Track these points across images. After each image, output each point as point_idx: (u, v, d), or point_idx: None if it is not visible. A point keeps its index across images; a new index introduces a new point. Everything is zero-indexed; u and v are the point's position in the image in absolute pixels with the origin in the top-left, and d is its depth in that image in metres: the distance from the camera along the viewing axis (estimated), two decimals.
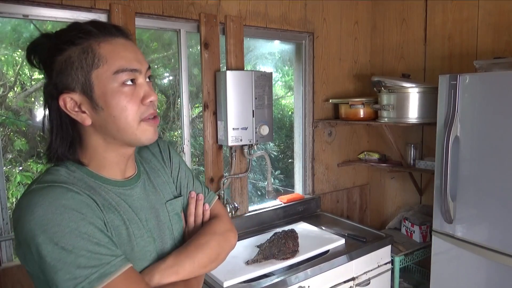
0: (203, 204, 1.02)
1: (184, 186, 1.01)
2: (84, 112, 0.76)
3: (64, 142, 0.79)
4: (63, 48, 0.73)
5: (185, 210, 1.00)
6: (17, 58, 2.10)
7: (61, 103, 0.75)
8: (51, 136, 0.78)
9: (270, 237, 1.86)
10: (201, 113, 2.13)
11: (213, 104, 2.07)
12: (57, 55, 0.74)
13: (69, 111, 0.75)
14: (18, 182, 2.13)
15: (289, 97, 3.04)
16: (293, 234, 1.87)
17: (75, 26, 0.76)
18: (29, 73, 2.17)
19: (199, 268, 0.89)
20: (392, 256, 2.14)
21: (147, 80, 0.81)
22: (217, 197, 1.08)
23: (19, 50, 2.06)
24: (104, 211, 0.76)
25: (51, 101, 0.76)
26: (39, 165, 2.20)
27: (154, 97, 0.79)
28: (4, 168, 1.64)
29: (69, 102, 0.75)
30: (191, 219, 1.00)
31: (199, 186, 1.04)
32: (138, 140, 0.80)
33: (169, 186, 0.97)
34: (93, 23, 0.76)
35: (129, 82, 0.76)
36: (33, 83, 2.19)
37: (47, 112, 0.79)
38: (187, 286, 0.86)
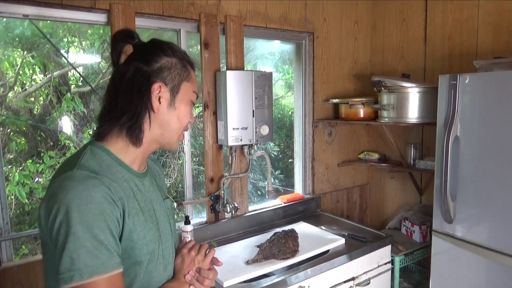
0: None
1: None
2: (160, 102, 0.94)
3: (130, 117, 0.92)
4: (173, 55, 0.96)
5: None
6: (18, 58, 2.09)
7: (154, 86, 0.92)
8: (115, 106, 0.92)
9: (270, 237, 1.86)
10: (201, 113, 2.13)
11: (213, 104, 2.07)
12: (167, 56, 0.95)
13: (153, 94, 0.92)
14: (17, 182, 2.13)
15: (289, 97, 3.04)
16: (293, 234, 1.87)
17: (184, 51, 1.01)
18: (29, 73, 2.17)
19: None
20: (392, 256, 2.14)
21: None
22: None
23: (19, 50, 2.06)
24: (127, 199, 0.87)
25: (142, 80, 0.92)
26: (39, 165, 2.20)
27: (192, 120, 1.02)
28: (4, 168, 1.64)
29: (157, 89, 0.93)
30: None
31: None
32: (172, 144, 1.00)
33: (164, 189, 1.13)
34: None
35: (192, 102, 1.01)
36: (33, 83, 2.19)
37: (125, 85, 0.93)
38: None
